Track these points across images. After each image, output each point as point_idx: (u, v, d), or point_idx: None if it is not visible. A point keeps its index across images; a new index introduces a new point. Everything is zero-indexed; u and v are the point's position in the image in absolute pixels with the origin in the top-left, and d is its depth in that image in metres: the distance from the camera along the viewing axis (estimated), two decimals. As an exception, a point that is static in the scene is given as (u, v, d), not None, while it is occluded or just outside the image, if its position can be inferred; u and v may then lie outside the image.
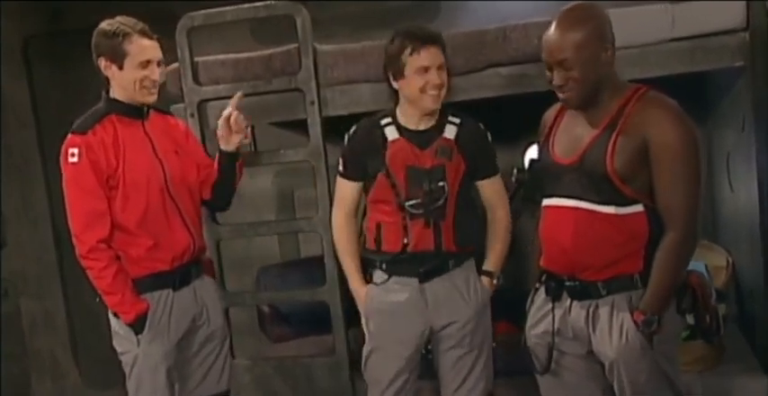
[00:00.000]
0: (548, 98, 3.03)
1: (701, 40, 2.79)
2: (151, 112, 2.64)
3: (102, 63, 2.54)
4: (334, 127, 2.97)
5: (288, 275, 3.80)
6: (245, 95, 3.08)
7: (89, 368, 4.66)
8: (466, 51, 2.93)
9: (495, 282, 2.69)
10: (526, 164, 3.75)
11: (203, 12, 3.07)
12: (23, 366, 4.70)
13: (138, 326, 2.52)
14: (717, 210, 3.73)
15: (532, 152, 3.88)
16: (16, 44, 4.55)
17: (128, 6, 2.61)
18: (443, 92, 2.53)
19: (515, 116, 3.56)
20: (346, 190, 2.68)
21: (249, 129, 4.34)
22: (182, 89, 3.10)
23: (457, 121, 2.60)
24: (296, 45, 3.01)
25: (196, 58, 3.11)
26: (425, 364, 2.70)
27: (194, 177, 2.71)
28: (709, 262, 3.19)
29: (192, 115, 3.08)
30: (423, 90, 2.50)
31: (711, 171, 3.74)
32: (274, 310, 3.78)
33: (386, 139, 2.58)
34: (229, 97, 3.07)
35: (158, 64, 2.56)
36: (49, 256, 4.66)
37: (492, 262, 2.70)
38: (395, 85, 2.56)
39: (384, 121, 2.61)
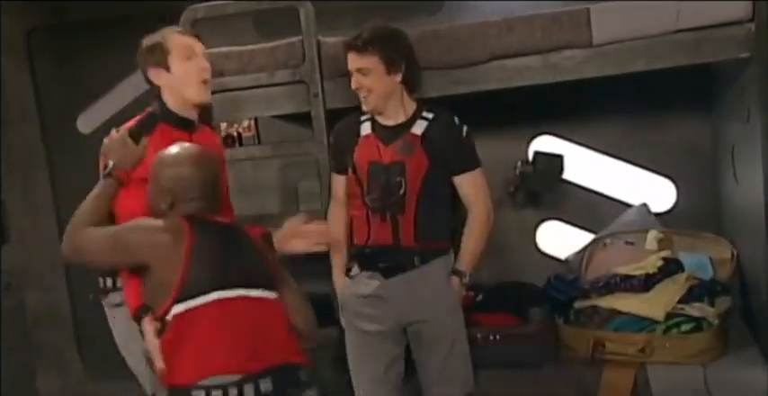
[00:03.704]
0: (551, 90, 3.05)
1: (707, 31, 2.78)
2: (202, 126, 2.63)
3: (152, 73, 2.53)
4: (337, 120, 2.96)
5: (290, 268, 3.80)
6: (249, 88, 3.08)
7: (93, 361, 4.66)
8: (470, 43, 2.92)
9: (464, 280, 2.66)
10: (530, 156, 3.80)
11: (206, 4, 3.07)
12: (27, 359, 4.70)
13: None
14: (721, 202, 3.72)
15: (537, 144, 3.91)
16: (18, 37, 4.54)
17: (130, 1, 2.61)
18: (372, 96, 2.61)
19: (519, 108, 3.58)
20: (336, 183, 2.82)
21: (253, 121, 4.38)
22: (185, 82, 3.08)
23: (430, 116, 2.64)
24: (300, 37, 3.01)
25: (200, 51, 3.10)
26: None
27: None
28: (714, 254, 3.19)
29: (196, 108, 3.07)
30: (355, 89, 2.63)
31: (716, 163, 3.73)
32: (278, 303, 3.77)
33: (359, 134, 2.68)
34: (234, 90, 3.08)
35: (205, 58, 2.57)
36: (53, 249, 4.62)
37: (463, 261, 2.68)
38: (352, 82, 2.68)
39: (363, 118, 2.71)
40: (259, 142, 4.36)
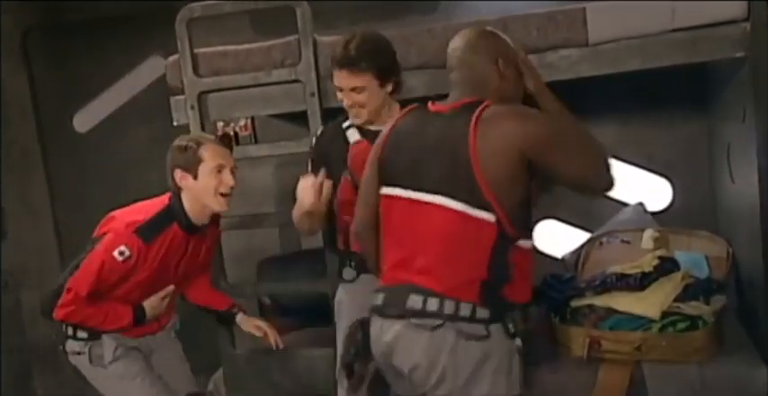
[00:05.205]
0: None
1: (702, 30, 2.78)
2: (208, 227, 2.74)
3: (178, 175, 2.61)
4: (334, 118, 2.96)
5: (288, 267, 3.81)
6: (246, 87, 3.08)
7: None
8: (466, 42, 2.92)
9: None
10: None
11: (203, 3, 3.07)
12: (24, 359, 4.70)
13: (140, 316, 2.67)
14: (717, 200, 3.73)
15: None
16: (15, 37, 4.54)
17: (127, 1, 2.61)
18: (365, 110, 2.57)
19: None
20: None
21: (249, 120, 4.39)
22: (182, 81, 3.09)
23: None
24: (296, 36, 3.01)
25: (196, 50, 3.10)
26: None
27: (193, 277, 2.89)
28: (710, 253, 3.19)
29: (193, 107, 3.07)
30: (348, 106, 2.59)
31: (712, 162, 3.74)
32: (275, 302, 3.78)
33: (348, 142, 2.64)
34: (230, 88, 3.08)
35: (232, 171, 2.64)
36: (50, 249, 4.66)
37: None
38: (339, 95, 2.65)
39: (345, 125, 2.68)
40: (256, 141, 4.37)
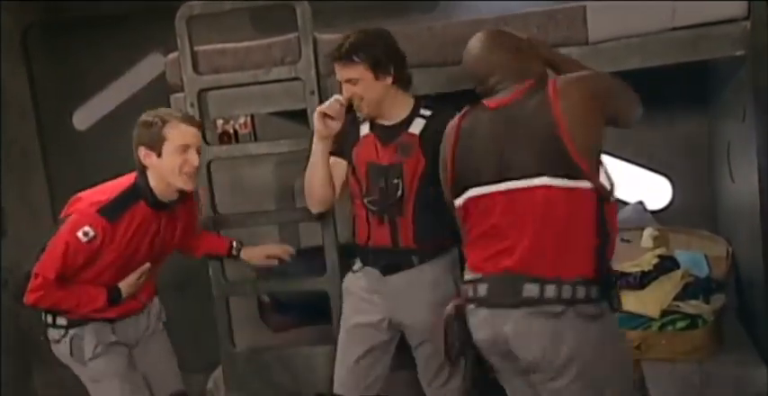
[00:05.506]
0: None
1: (703, 29, 2.78)
2: (179, 203, 2.70)
3: (142, 152, 2.56)
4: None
5: (288, 265, 3.80)
6: (245, 85, 3.08)
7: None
8: (465, 40, 2.90)
9: None
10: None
11: (202, 1, 3.06)
12: (24, 356, 4.70)
13: (116, 296, 2.65)
14: (717, 200, 3.73)
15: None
16: (15, 36, 4.54)
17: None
18: (365, 103, 2.59)
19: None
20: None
21: (249, 118, 4.38)
22: (182, 79, 3.09)
23: (428, 113, 2.61)
24: (296, 34, 3.01)
25: (196, 48, 3.10)
26: (403, 355, 2.77)
27: (172, 250, 2.86)
28: (710, 252, 3.19)
29: (192, 105, 3.07)
30: (347, 99, 2.60)
31: (712, 161, 3.74)
32: (274, 300, 3.78)
33: (359, 133, 2.68)
34: (230, 86, 3.08)
35: (197, 151, 2.58)
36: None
37: None
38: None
39: (361, 117, 2.70)
40: (255, 139, 4.37)
